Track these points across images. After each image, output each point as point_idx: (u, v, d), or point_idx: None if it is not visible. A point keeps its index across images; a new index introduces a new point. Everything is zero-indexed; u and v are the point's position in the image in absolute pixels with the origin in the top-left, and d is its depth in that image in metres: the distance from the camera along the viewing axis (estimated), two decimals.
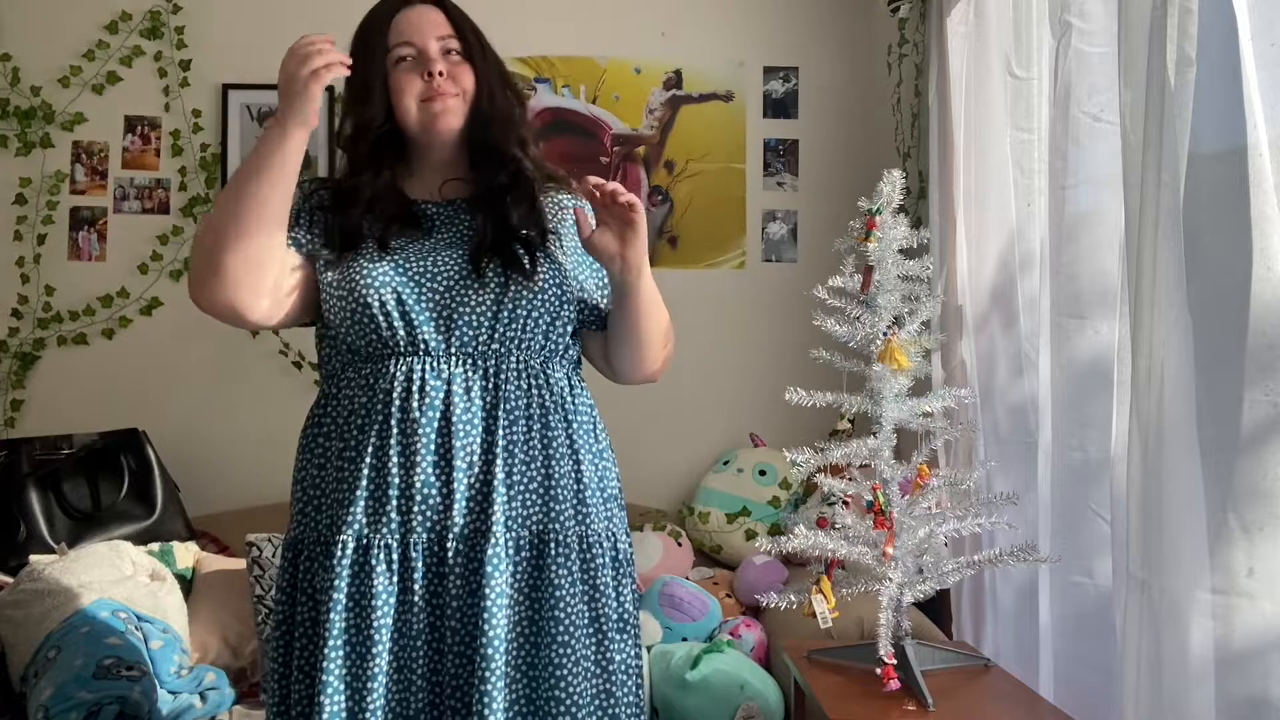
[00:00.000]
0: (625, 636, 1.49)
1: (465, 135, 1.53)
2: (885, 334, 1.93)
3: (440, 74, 1.49)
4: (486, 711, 1.33)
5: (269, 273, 1.41)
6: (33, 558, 2.40)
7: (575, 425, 1.50)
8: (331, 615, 1.37)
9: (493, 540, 1.38)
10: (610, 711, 1.43)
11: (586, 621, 1.43)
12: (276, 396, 3.11)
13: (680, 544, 2.87)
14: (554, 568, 1.41)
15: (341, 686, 1.36)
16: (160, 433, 2.88)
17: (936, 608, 2.57)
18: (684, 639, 2.54)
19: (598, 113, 3.21)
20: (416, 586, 1.39)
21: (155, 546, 2.58)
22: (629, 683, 1.48)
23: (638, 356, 1.57)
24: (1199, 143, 1.39)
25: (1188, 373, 1.40)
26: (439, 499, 1.40)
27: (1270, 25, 1.32)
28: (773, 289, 3.17)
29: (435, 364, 1.43)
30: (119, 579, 2.33)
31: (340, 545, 1.39)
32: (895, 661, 1.85)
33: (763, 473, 2.98)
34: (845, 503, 1.98)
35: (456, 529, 1.39)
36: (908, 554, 1.94)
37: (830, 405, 1.96)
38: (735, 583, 2.77)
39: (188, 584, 2.53)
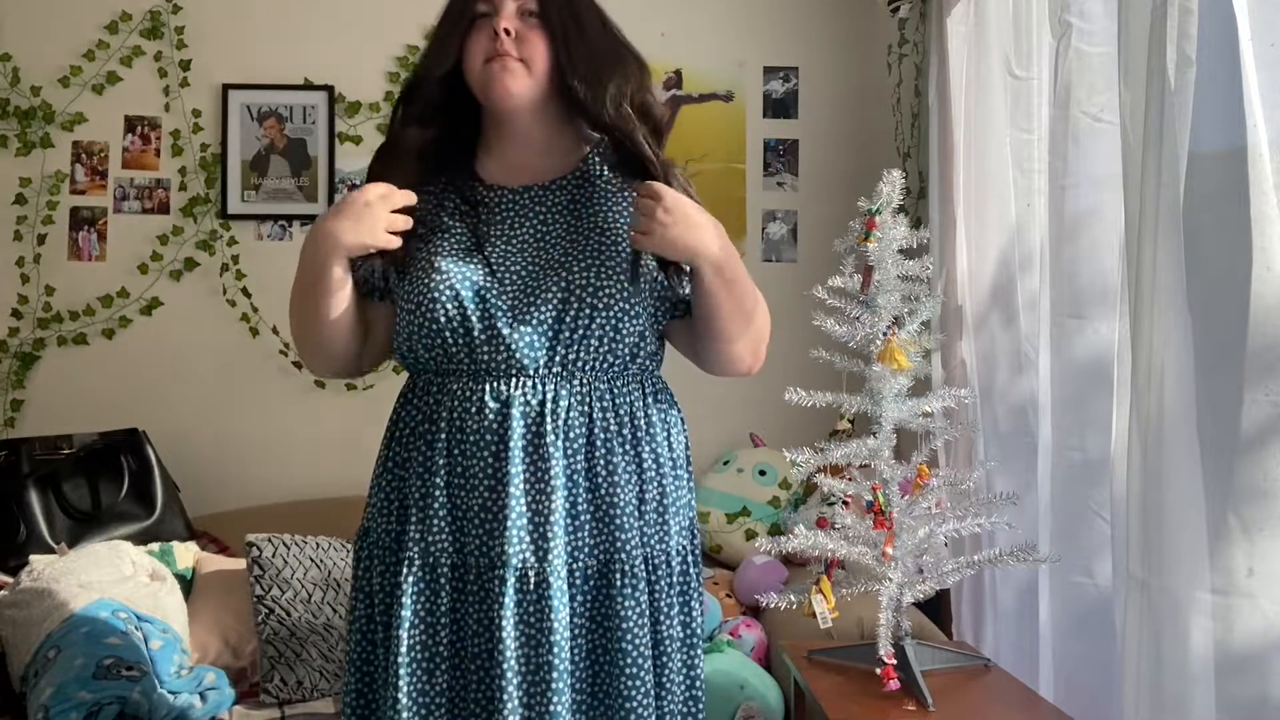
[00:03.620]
0: (691, 652, 1.44)
1: (542, 112, 1.42)
2: (885, 334, 1.93)
3: (508, 33, 1.36)
4: None
5: (354, 347, 1.48)
6: (33, 558, 2.40)
7: (646, 445, 1.41)
8: (400, 632, 1.35)
9: (554, 573, 1.33)
10: None
11: (651, 645, 1.39)
12: (276, 396, 3.11)
13: None
14: (620, 598, 1.36)
15: (410, 704, 1.34)
16: (160, 433, 2.87)
17: (936, 608, 2.57)
18: None
19: None
20: (472, 610, 1.36)
21: (155, 546, 2.58)
22: (680, 700, 1.43)
23: (716, 349, 1.46)
24: (1199, 143, 1.39)
25: (1188, 373, 1.40)
26: (494, 524, 1.35)
27: (1270, 25, 1.32)
28: (773, 289, 3.12)
29: (495, 385, 1.36)
30: (119, 579, 2.33)
31: (407, 562, 1.37)
32: (895, 661, 1.85)
33: (763, 473, 2.98)
34: (845, 503, 1.98)
35: (508, 558, 1.33)
36: (908, 554, 1.94)
37: (830, 405, 1.96)
38: (735, 583, 2.77)
39: (188, 584, 2.53)
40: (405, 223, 1.36)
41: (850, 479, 1.98)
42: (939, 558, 1.98)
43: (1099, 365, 1.87)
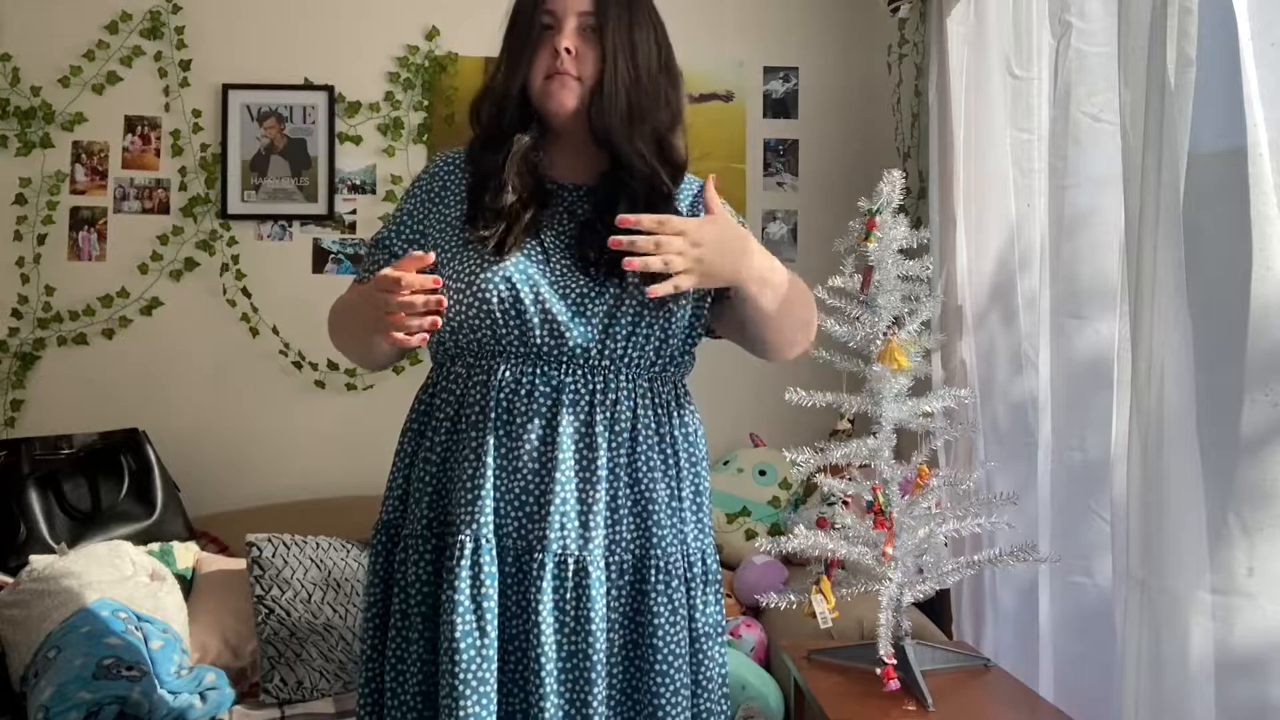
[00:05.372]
0: (717, 644, 1.47)
1: (585, 120, 1.44)
2: (885, 334, 1.93)
3: (569, 51, 1.41)
4: None
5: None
6: (33, 558, 2.40)
7: (682, 442, 1.46)
8: (455, 618, 1.31)
9: (594, 563, 1.35)
10: None
11: (686, 641, 1.41)
12: (276, 396, 3.11)
13: None
14: (654, 594, 1.38)
15: (468, 691, 1.31)
16: (160, 433, 2.87)
17: (936, 608, 2.57)
18: None
19: None
20: (510, 592, 1.36)
21: (155, 546, 2.58)
22: (718, 692, 1.46)
23: (765, 344, 1.51)
24: (1199, 143, 1.39)
25: (1188, 373, 1.40)
26: (536, 509, 1.36)
27: (1270, 25, 1.32)
28: None
29: (545, 370, 1.39)
30: (119, 579, 2.33)
31: (459, 545, 1.34)
32: (895, 661, 1.85)
33: (763, 473, 2.98)
34: (845, 503, 1.98)
35: (548, 543, 1.34)
36: (908, 554, 1.94)
37: (830, 405, 1.96)
38: (735, 583, 2.77)
39: (188, 584, 2.53)
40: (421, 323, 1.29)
41: (850, 479, 1.98)
42: (939, 558, 1.98)
43: (1099, 365, 1.87)
